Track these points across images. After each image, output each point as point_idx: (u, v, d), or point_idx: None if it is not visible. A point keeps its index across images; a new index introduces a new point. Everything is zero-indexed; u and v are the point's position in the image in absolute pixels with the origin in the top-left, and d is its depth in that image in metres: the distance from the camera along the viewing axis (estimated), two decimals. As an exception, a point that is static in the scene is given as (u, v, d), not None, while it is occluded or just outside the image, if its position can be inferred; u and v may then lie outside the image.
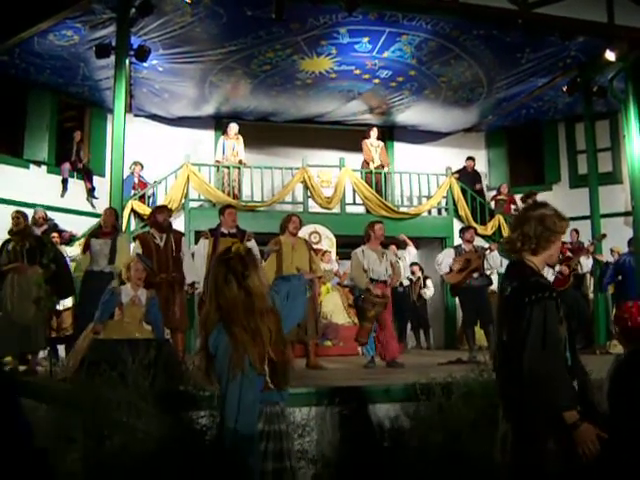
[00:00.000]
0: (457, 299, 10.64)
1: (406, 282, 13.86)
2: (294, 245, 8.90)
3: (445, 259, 10.02)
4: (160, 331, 7.19)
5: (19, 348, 8.12)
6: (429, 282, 14.40)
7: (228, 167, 14.31)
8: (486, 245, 10.35)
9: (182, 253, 8.54)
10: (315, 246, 11.71)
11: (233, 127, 14.58)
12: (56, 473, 4.76)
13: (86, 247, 8.45)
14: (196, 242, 9.95)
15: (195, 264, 8.63)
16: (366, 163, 15.20)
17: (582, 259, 10.65)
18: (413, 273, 14.54)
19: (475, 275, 9.74)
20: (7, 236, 8.52)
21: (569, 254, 10.73)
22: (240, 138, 14.58)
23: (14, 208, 11.71)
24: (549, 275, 10.57)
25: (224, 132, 14.81)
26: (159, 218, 8.66)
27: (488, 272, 10.16)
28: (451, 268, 9.88)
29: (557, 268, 10.54)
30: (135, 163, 14.12)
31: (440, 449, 5.33)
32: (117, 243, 8.57)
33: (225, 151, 14.46)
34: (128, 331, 6.89)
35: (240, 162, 14.41)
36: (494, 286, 11.87)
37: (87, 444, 4.91)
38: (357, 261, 9.01)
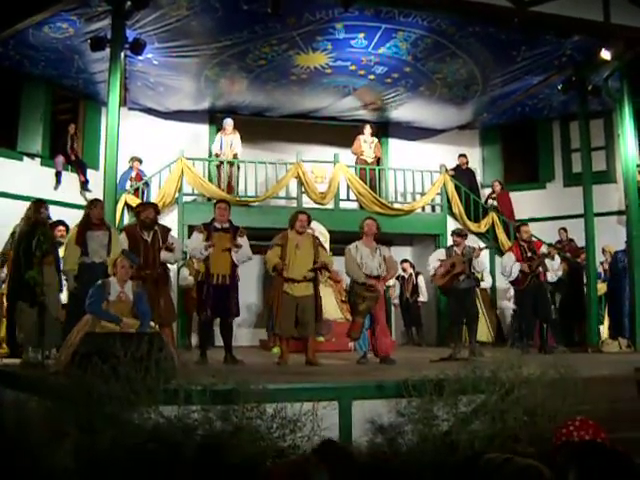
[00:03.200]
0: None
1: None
2: (299, 243, 8.93)
3: (433, 260, 10.21)
4: (147, 325, 7.21)
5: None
6: (421, 278, 14.43)
7: (222, 162, 14.32)
8: (475, 245, 10.44)
9: (170, 242, 8.59)
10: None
11: (229, 122, 14.59)
12: (48, 467, 4.77)
13: (80, 239, 8.39)
14: (189, 236, 9.98)
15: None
16: (360, 159, 15.22)
17: (547, 260, 10.67)
18: (404, 270, 14.58)
19: (461, 278, 9.96)
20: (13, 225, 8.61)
21: (531, 254, 10.76)
22: (237, 133, 14.59)
23: (7, 200, 11.80)
24: (514, 272, 10.66)
25: (220, 128, 14.81)
26: (141, 216, 8.75)
27: (478, 275, 10.34)
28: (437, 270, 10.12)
29: (519, 267, 10.60)
30: (134, 159, 14.12)
31: (432, 444, 5.35)
32: (112, 234, 8.58)
33: (222, 147, 14.47)
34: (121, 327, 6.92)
35: (234, 156, 14.43)
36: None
37: (79, 437, 4.91)
38: (350, 256, 9.15)
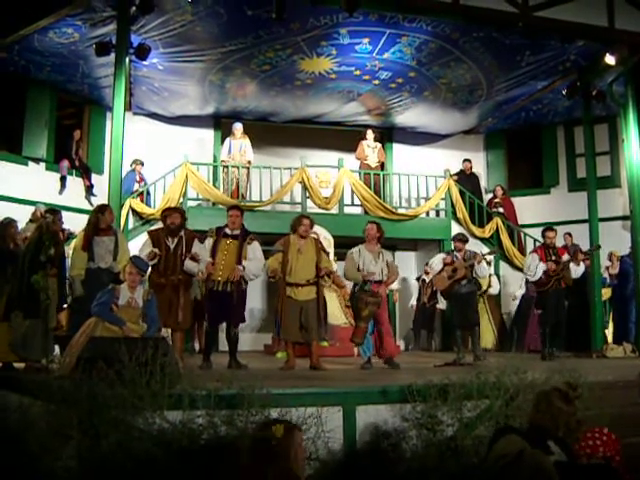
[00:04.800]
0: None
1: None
2: (301, 248, 8.88)
3: (436, 264, 10.21)
4: (152, 332, 7.21)
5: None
6: None
7: (227, 166, 14.33)
8: (479, 251, 10.45)
9: (195, 252, 8.51)
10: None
11: (239, 127, 14.60)
12: (52, 471, 4.77)
13: (86, 244, 8.38)
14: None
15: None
16: (363, 164, 15.22)
17: (572, 265, 10.57)
18: (427, 273, 14.44)
19: (463, 282, 9.99)
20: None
21: (564, 257, 10.67)
22: (246, 137, 14.59)
23: (12, 205, 11.82)
24: (539, 272, 10.52)
25: (229, 132, 14.82)
26: (167, 221, 8.69)
27: (482, 280, 10.33)
28: (442, 268, 10.13)
29: (544, 267, 10.46)
30: (135, 161, 14.14)
31: (437, 449, 5.35)
32: (119, 239, 8.56)
33: (231, 150, 14.47)
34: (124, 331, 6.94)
35: (249, 162, 14.45)
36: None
37: (83, 442, 4.91)
38: (352, 261, 9.16)
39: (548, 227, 11.07)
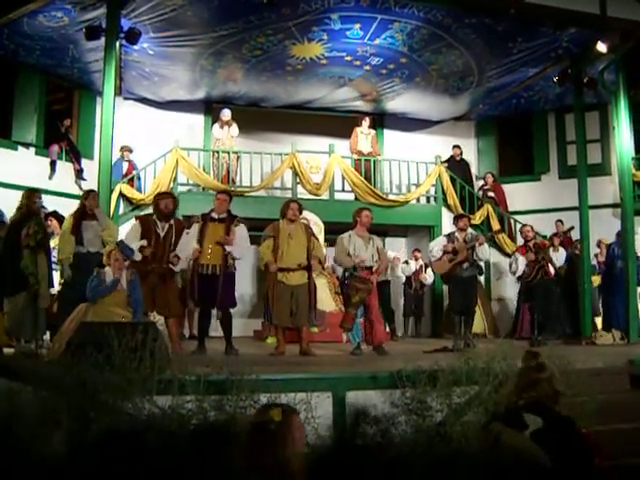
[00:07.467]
0: (447, 288, 10.66)
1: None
2: (291, 233, 8.90)
3: (436, 247, 10.10)
4: (139, 315, 7.22)
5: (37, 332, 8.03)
6: (429, 270, 14.31)
7: (217, 151, 14.31)
8: (477, 234, 10.40)
9: (174, 255, 8.44)
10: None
11: (227, 113, 14.57)
12: (41, 456, 4.76)
13: (75, 229, 8.36)
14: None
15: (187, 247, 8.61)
16: (355, 151, 15.20)
17: (552, 252, 10.61)
18: (416, 259, 14.39)
19: (465, 265, 9.85)
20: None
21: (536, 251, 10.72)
22: (234, 124, 14.56)
23: (1, 190, 11.76)
24: (521, 265, 10.58)
25: (216, 118, 14.81)
26: (160, 205, 8.60)
27: (481, 263, 10.30)
28: (442, 253, 10.01)
29: (525, 260, 10.49)
30: (123, 148, 14.07)
31: (426, 435, 5.37)
32: (100, 218, 8.57)
33: (221, 135, 14.49)
34: (113, 315, 6.93)
35: (231, 137, 14.45)
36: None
37: (73, 427, 4.90)
38: (342, 246, 9.14)
39: (523, 225, 11.46)
